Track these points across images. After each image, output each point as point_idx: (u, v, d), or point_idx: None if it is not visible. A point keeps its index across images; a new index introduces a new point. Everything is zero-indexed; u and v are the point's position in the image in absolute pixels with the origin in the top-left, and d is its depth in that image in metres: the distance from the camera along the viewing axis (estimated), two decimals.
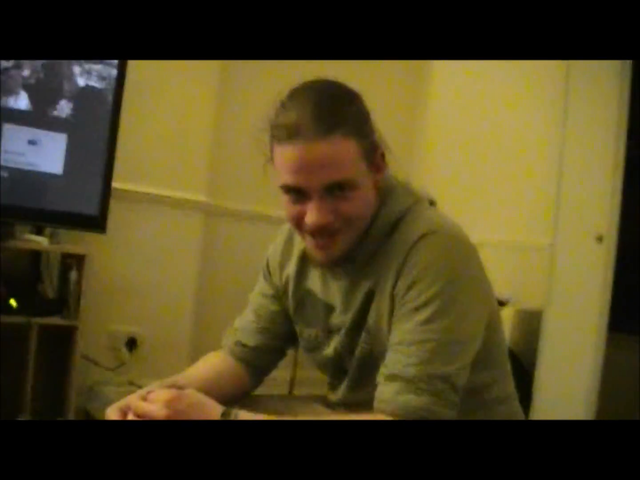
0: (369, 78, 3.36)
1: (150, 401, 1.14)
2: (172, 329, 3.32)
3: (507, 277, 3.18)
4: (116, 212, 2.91)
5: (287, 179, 1.16)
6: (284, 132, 1.14)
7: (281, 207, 1.22)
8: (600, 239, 2.53)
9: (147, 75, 3.07)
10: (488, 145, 3.57)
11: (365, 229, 1.22)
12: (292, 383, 3.28)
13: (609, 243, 2.52)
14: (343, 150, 1.13)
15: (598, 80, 2.62)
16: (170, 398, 1.12)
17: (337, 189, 1.15)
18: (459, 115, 3.79)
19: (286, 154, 1.14)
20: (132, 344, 3.21)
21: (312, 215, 1.16)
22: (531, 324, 2.87)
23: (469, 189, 3.61)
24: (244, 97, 3.45)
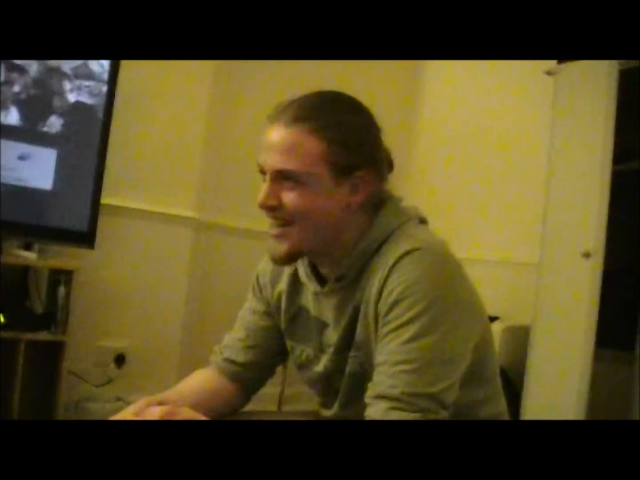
0: (361, 80, 3.40)
1: (143, 417, 1.13)
2: (161, 345, 3.31)
3: (495, 293, 3.19)
4: (105, 228, 2.91)
5: (258, 156, 1.22)
6: (271, 114, 1.21)
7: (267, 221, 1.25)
8: (587, 254, 2.55)
9: (137, 91, 3.08)
10: (475, 163, 3.60)
11: (326, 238, 1.23)
12: (280, 399, 3.27)
13: (596, 259, 2.54)
14: (301, 143, 1.17)
15: (585, 95, 2.65)
16: (163, 414, 1.12)
17: (285, 178, 1.18)
18: (450, 130, 3.81)
19: (264, 133, 1.21)
20: (120, 359, 3.20)
21: (260, 194, 1.20)
22: (519, 340, 2.88)
23: (457, 208, 3.63)
24: (234, 113, 3.46)
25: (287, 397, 3.22)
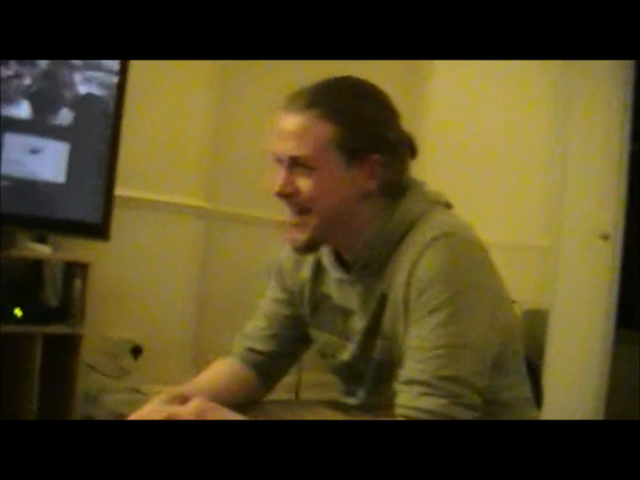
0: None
1: (175, 417, 1.12)
2: (176, 335, 3.32)
3: (510, 277, 3.17)
4: (118, 219, 2.91)
5: (269, 143, 1.22)
6: (283, 102, 1.21)
7: (281, 210, 1.24)
8: (605, 236, 2.53)
9: (147, 82, 3.07)
10: (487, 147, 3.57)
11: (346, 224, 1.22)
12: (298, 387, 3.27)
13: (615, 240, 2.52)
14: (312, 129, 1.17)
15: (600, 76, 2.63)
16: (196, 412, 1.11)
17: (299, 165, 1.18)
18: (458, 117, 3.78)
19: (276, 120, 1.21)
20: (136, 351, 3.20)
21: (272, 181, 1.21)
22: (536, 324, 2.87)
23: (469, 192, 3.61)
24: (242, 102, 3.45)
25: (304, 384, 3.22)
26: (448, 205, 1.29)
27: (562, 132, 2.76)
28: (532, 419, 1.34)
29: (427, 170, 3.70)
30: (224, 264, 3.47)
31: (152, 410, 1.16)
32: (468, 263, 1.15)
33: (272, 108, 1.25)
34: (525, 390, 1.33)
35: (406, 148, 1.27)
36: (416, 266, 1.16)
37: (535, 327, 2.88)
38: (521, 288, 3.14)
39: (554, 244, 2.80)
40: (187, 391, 1.26)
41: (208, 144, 3.37)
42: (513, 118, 3.43)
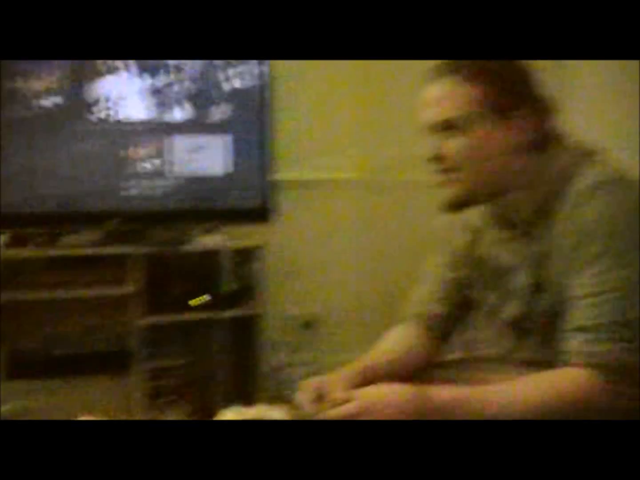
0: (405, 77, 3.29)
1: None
2: (349, 306, 3.42)
3: None
4: (281, 202, 3.05)
5: (421, 115, 1.27)
6: (428, 74, 1.27)
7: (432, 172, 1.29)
8: None
9: (289, 65, 3.16)
10: None
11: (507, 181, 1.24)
12: (467, 345, 3.27)
13: None
14: (455, 92, 1.22)
15: None
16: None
17: (448, 128, 1.22)
18: None
19: (423, 92, 1.27)
20: (309, 325, 3.34)
21: (427, 147, 1.25)
22: None
23: None
24: (389, 70, 3.43)
25: (473, 341, 3.22)
26: (596, 154, 1.28)
27: None
28: None
29: None
30: (387, 231, 3.49)
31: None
32: (628, 210, 1.15)
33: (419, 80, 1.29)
34: None
35: (548, 104, 1.28)
36: (579, 215, 1.17)
37: None
38: None
39: None
40: (365, 366, 1.33)
41: (358, 118, 3.42)
42: None
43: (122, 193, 2.82)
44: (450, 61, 1.24)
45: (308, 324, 3.33)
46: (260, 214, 2.97)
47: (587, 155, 1.26)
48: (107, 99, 2.77)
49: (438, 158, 1.25)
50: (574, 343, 1.14)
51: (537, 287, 1.27)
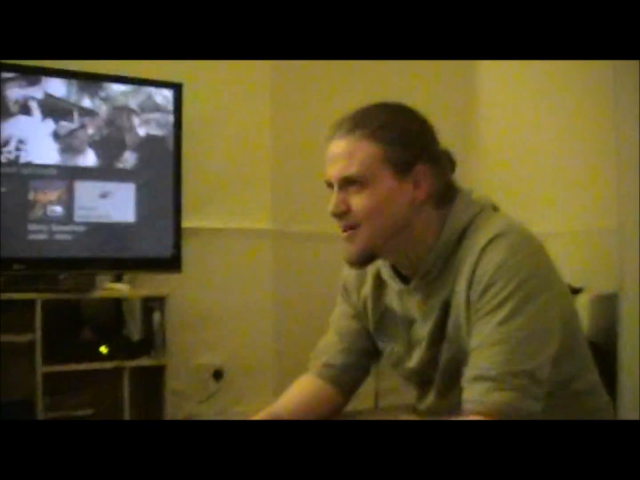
0: (419, 81, 3.42)
1: None
2: (255, 356, 3.39)
3: (575, 264, 3.15)
4: (189, 251, 3.02)
5: (325, 171, 1.29)
6: (329, 132, 1.29)
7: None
8: None
9: (201, 115, 3.17)
10: (544, 137, 3.55)
11: (397, 234, 1.27)
12: (377, 394, 3.31)
13: None
14: (359, 149, 1.24)
15: None
16: None
17: (350, 184, 1.25)
18: (512, 109, 3.77)
19: (326, 150, 1.29)
20: (218, 375, 3.30)
21: (329, 204, 1.27)
22: (607, 310, 2.84)
23: (528, 184, 3.60)
24: (297, 120, 3.47)
25: (383, 391, 3.26)
26: (495, 208, 1.34)
27: (615, 117, 2.73)
28: (605, 404, 1.37)
29: (485, 166, 3.73)
30: (297, 282, 3.50)
31: None
32: (526, 258, 1.20)
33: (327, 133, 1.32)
34: (595, 375, 1.36)
35: (447, 160, 1.33)
36: (476, 267, 1.21)
37: (605, 313, 2.86)
38: (588, 274, 3.13)
39: (618, 226, 2.76)
40: (274, 413, 1.35)
41: (268, 165, 3.44)
42: (566, 105, 3.41)
43: (29, 237, 2.74)
44: (351, 119, 1.27)
45: (218, 374, 3.29)
46: (168, 262, 2.94)
47: (486, 209, 1.31)
48: (18, 140, 2.71)
49: (339, 213, 1.27)
50: (472, 391, 1.17)
51: (437, 339, 1.30)
